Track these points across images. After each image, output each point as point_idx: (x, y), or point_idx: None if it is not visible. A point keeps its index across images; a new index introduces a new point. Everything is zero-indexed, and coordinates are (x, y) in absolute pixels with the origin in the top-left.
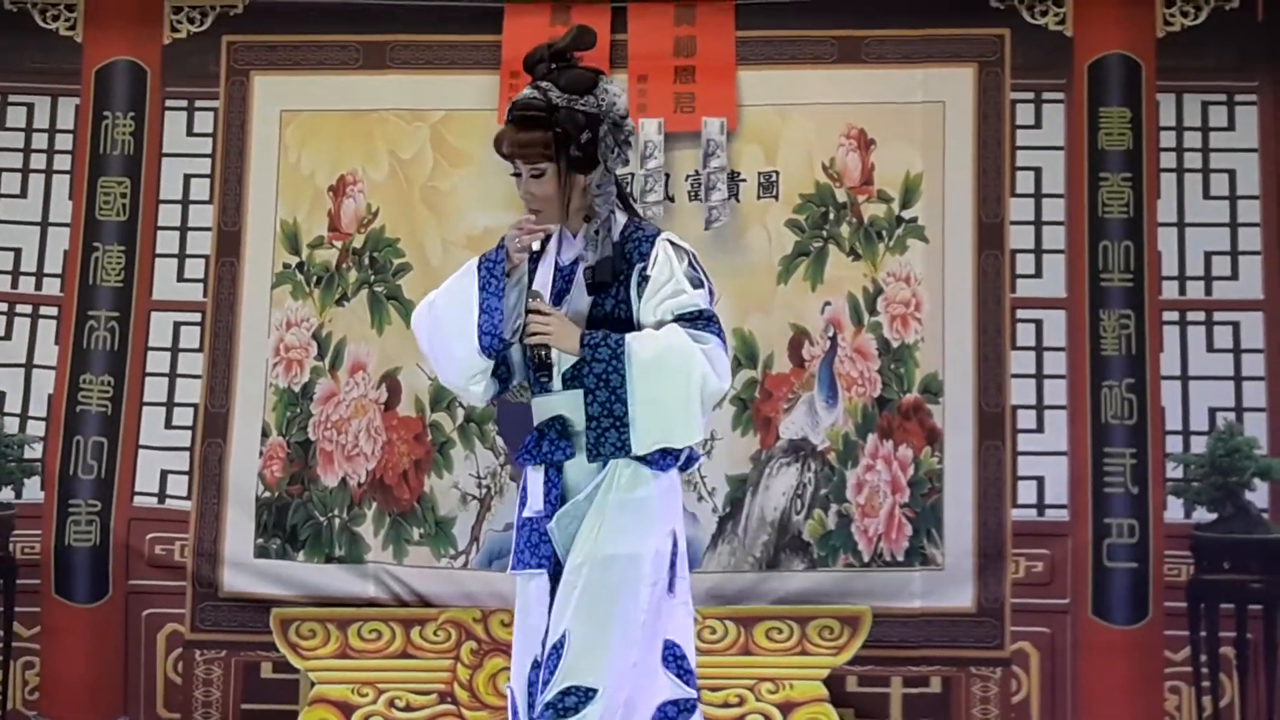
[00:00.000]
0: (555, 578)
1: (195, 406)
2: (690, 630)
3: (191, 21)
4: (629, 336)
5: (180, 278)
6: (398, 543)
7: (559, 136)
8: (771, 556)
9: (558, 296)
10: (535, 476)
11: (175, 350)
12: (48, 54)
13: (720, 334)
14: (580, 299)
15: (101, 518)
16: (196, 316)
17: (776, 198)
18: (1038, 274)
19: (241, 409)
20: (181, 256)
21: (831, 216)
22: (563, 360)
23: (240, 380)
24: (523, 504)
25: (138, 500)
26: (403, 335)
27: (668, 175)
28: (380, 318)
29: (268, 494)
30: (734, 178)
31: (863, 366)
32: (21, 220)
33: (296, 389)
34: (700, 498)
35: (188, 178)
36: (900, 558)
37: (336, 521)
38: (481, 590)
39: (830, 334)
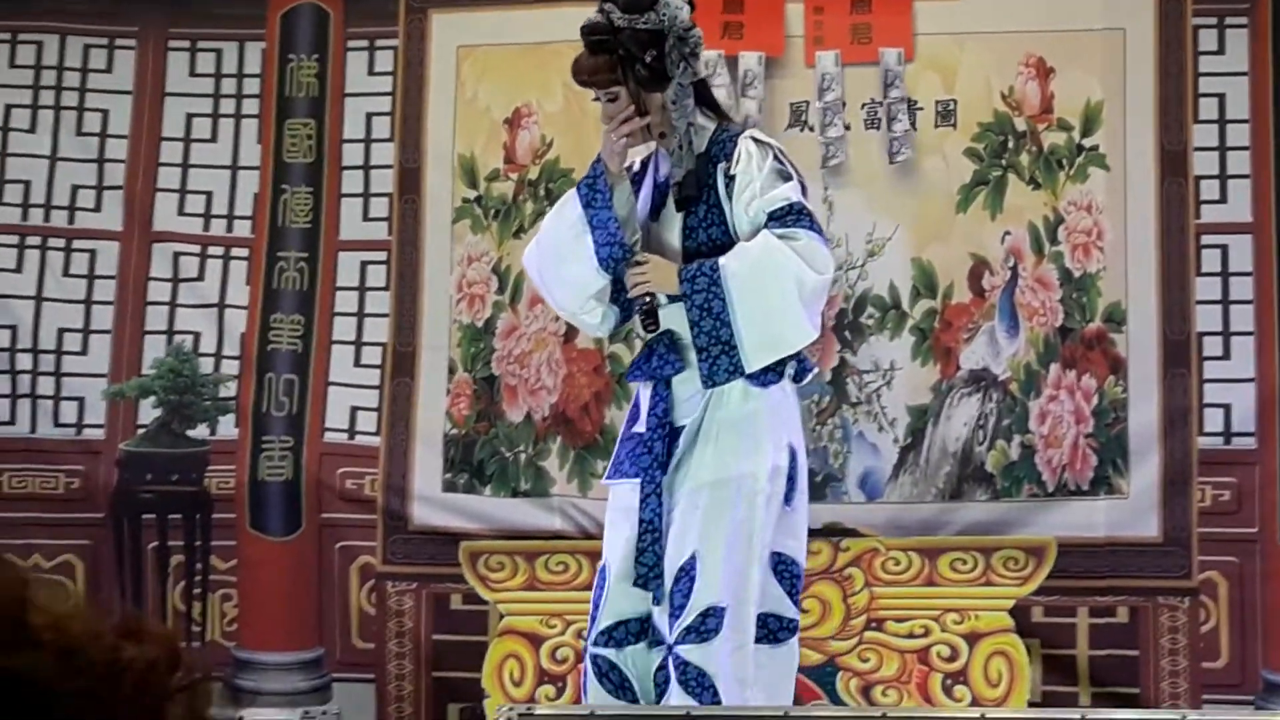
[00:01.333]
0: (654, 493)
1: (383, 345)
2: (804, 544)
3: None
4: (723, 259)
5: (365, 217)
6: (582, 476)
7: (624, 58)
8: (954, 487)
9: (655, 213)
10: (645, 393)
11: (362, 289)
12: (234, 0)
13: (813, 225)
14: (674, 216)
15: (294, 453)
16: (382, 255)
17: (954, 126)
18: (1222, 199)
19: (427, 346)
20: (366, 196)
21: (1010, 145)
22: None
23: (425, 318)
24: (632, 420)
25: (328, 436)
26: None
27: (844, 104)
28: None
29: (455, 430)
30: (911, 106)
31: (1044, 296)
32: (212, 164)
33: (479, 324)
34: (880, 428)
35: (369, 116)
36: (1085, 487)
37: (522, 456)
38: None
39: (1010, 263)
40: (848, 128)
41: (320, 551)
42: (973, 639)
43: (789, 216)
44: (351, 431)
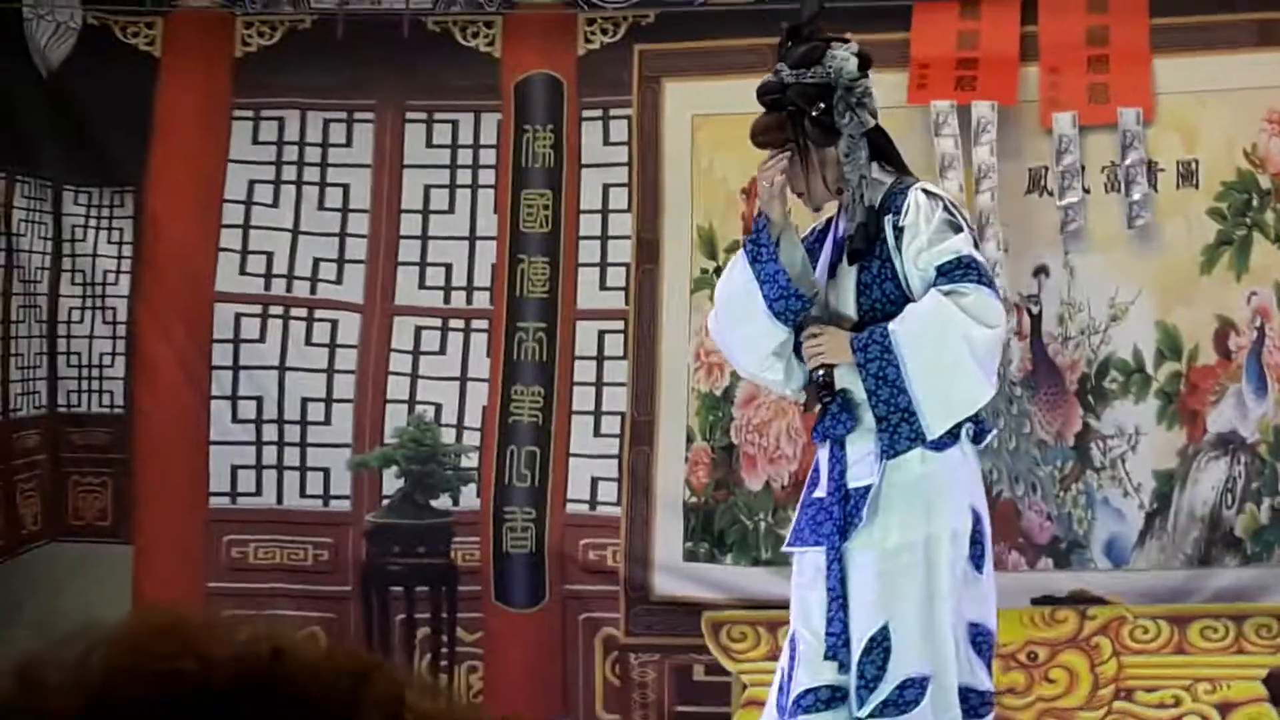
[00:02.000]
0: (837, 560)
1: (622, 414)
2: (994, 609)
3: (604, 32)
4: (893, 324)
5: (602, 286)
6: None
7: (793, 114)
8: (1203, 553)
9: (832, 269)
10: (823, 455)
11: (600, 358)
12: (469, 71)
13: (982, 277)
14: (849, 272)
15: (536, 525)
16: (619, 324)
17: (1197, 186)
18: None
19: (666, 415)
20: (603, 265)
21: (1255, 204)
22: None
23: (664, 386)
24: (812, 484)
25: (570, 507)
26: None
27: (1083, 167)
28: None
29: (694, 499)
30: (1151, 167)
31: None
32: (451, 235)
33: (718, 393)
34: (1126, 493)
35: (606, 187)
36: None
37: (762, 525)
38: None
39: (1257, 324)
40: (1087, 191)
41: (564, 623)
42: (1225, 709)
43: (957, 271)
44: (593, 502)
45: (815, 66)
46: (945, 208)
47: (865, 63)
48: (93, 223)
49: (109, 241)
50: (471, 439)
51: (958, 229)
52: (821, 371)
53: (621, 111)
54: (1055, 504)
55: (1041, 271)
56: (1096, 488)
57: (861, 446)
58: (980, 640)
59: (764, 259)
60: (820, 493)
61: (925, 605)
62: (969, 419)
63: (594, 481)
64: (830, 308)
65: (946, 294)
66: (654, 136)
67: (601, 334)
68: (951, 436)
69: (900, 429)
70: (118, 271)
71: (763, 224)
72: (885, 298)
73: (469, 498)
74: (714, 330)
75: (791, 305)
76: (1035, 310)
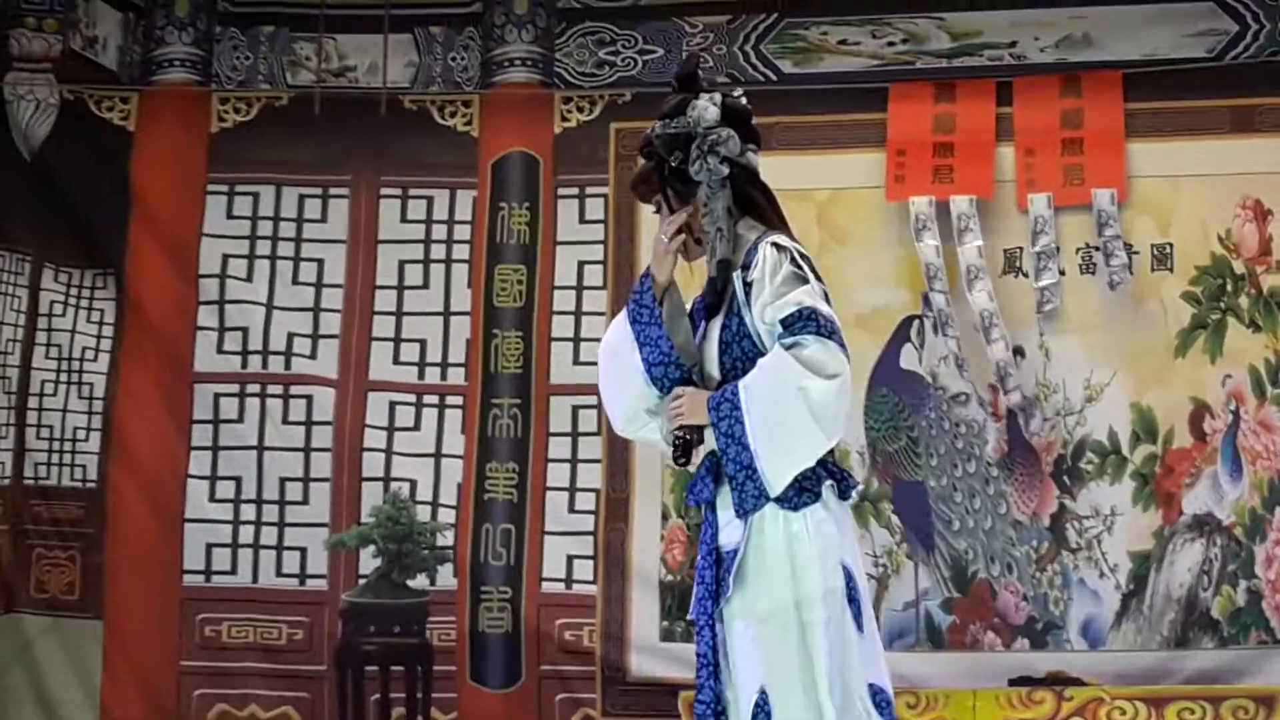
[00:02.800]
0: (708, 625)
1: (596, 491)
2: (885, 668)
3: (581, 110)
4: (742, 381)
5: (576, 361)
6: None
7: (658, 165)
8: (1180, 634)
9: (706, 328)
10: (705, 519)
11: (575, 434)
12: (446, 149)
13: (821, 328)
14: (714, 328)
15: (512, 604)
16: (593, 400)
17: (1171, 270)
18: None
19: (641, 491)
20: (576, 340)
21: (1229, 288)
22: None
23: (638, 463)
24: (701, 550)
25: (546, 586)
26: None
27: (1058, 248)
28: None
29: (670, 577)
30: (1126, 250)
31: (1267, 440)
32: (425, 311)
33: (692, 468)
34: (1102, 574)
35: (581, 263)
36: None
37: None
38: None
39: (1232, 407)
40: (1062, 273)
41: (540, 703)
42: None
43: (798, 323)
44: (568, 580)
45: (679, 117)
46: (792, 259)
47: (732, 113)
48: (72, 301)
49: (89, 320)
50: (447, 516)
51: (803, 280)
52: (682, 432)
53: (598, 190)
54: (1031, 584)
55: (1017, 353)
56: (1073, 568)
57: (729, 510)
58: (881, 701)
59: (645, 320)
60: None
61: (804, 669)
62: (831, 475)
63: (569, 559)
64: (703, 367)
65: (788, 347)
66: (630, 214)
67: (575, 409)
68: (811, 495)
69: (746, 487)
70: (96, 350)
71: (647, 284)
72: (744, 355)
73: (445, 577)
74: (600, 384)
75: (670, 373)
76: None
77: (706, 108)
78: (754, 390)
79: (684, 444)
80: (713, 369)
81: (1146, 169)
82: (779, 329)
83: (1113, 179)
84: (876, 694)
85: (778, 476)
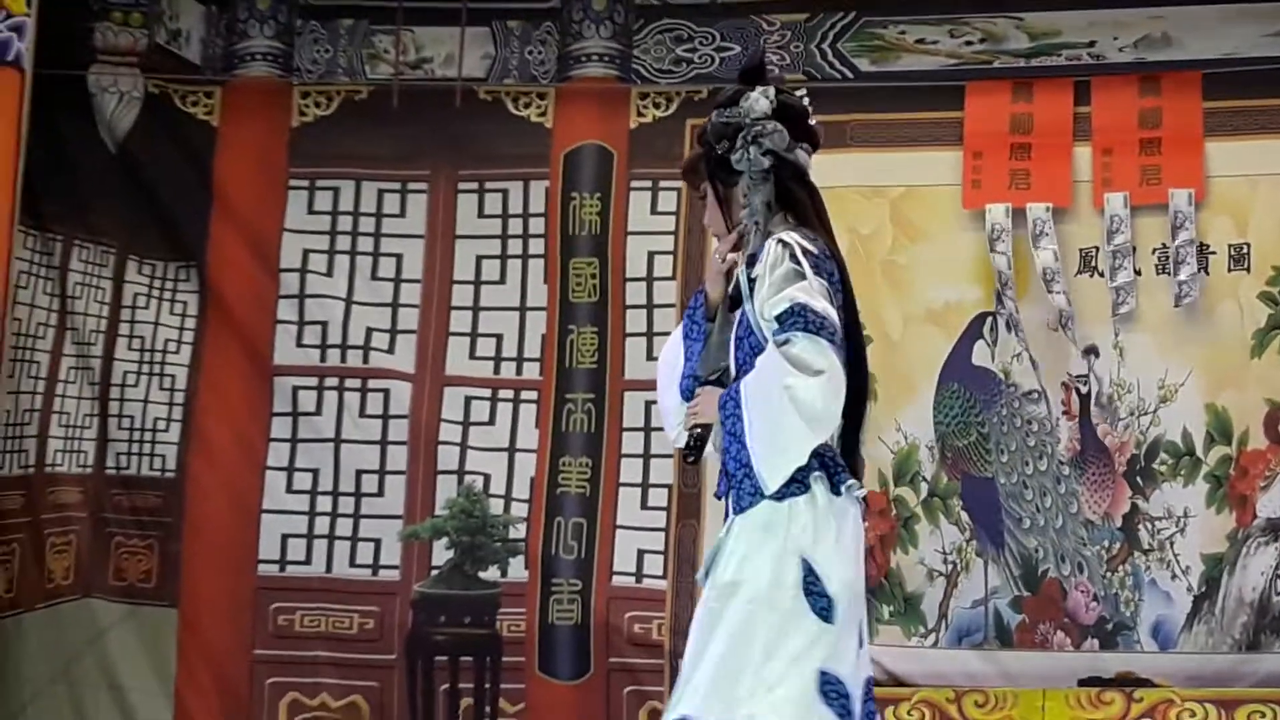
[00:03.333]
0: None
1: (669, 487)
2: (855, 662)
3: (657, 106)
4: (743, 380)
5: (649, 356)
6: (869, 621)
7: (706, 152)
8: (1251, 637)
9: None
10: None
11: (648, 430)
12: (520, 140)
13: (809, 324)
14: (731, 323)
15: (583, 596)
16: None
17: (1248, 270)
18: None
19: (712, 488)
20: (649, 335)
21: None
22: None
23: (710, 459)
24: None
25: (616, 579)
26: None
27: (1134, 248)
28: None
29: None
30: (1203, 250)
31: None
32: (501, 306)
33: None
34: (1174, 576)
35: (651, 254)
36: None
37: None
38: (953, 669)
39: None
40: (1138, 273)
41: (608, 695)
42: None
43: (789, 319)
44: (639, 575)
45: (732, 107)
46: (793, 256)
47: (785, 109)
48: (155, 293)
49: (171, 313)
50: (519, 510)
51: (801, 276)
52: (699, 431)
53: (671, 184)
54: (1102, 584)
55: (1091, 352)
56: (1144, 569)
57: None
58: (828, 689)
59: (694, 336)
60: None
61: (714, 649)
62: (824, 468)
63: (640, 554)
64: (728, 365)
65: (780, 345)
66: (702, 206)
67: (648, 405)
68: (800, 486)
69: (744, 485)
70: (179, 341)
71: (700, 300)
72: (751, 351)
73: (517, 569)
74: (657, 393)
75: (692, 387)
76: (1084, 390)
77: (758, 100)
78: (750, 388)
79: (698, 442)
80: (731, 365)
81: (1225, 169)
82: (774, 325)
83: (1190, 179)
84: (827, 682)
85: (772, 474)
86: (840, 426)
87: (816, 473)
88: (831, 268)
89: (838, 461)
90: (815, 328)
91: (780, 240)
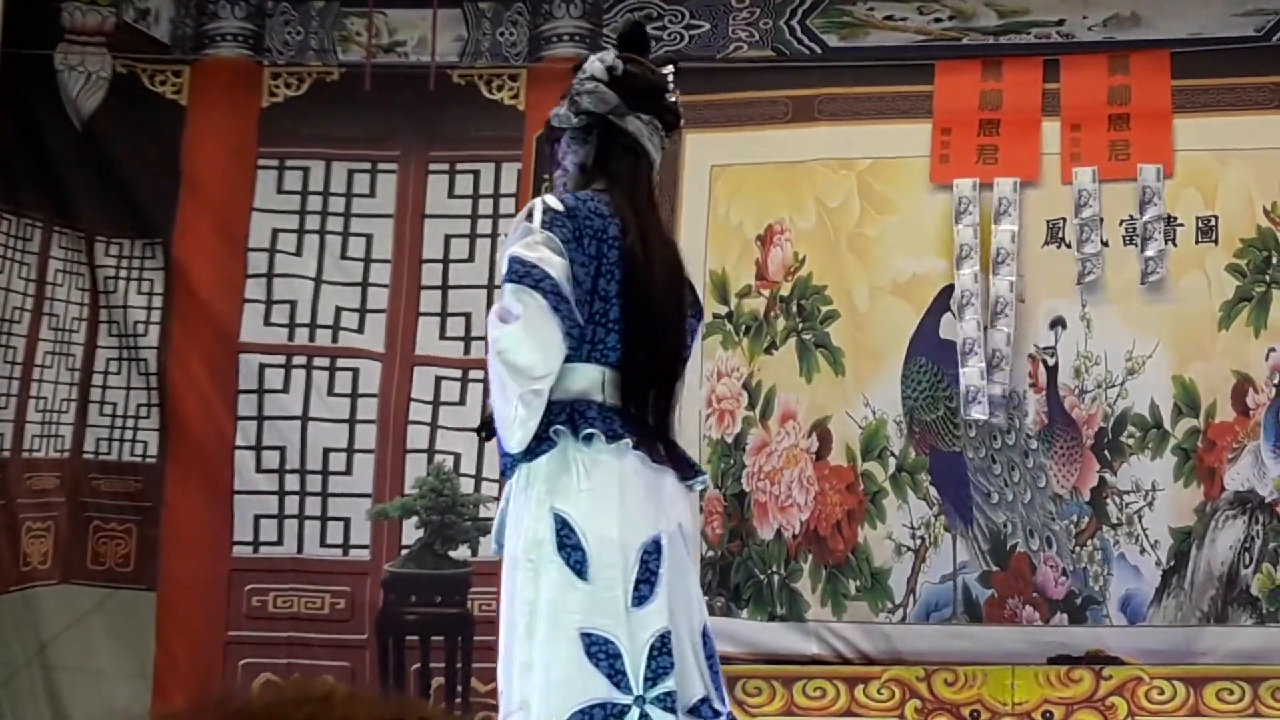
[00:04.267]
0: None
1: None
2: (625, 622)
3: None
4: None
5: None
6: (835, 597)
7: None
8: (1219, 611)
9: None
10: None
11: None
12: (492, 123)
13: (513, 273)
14: None
15: None
16: None
17: (1216, 242)
18: None
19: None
20: None
21: (1274, 261)
22: None
23: (677, 434)
24: None
25: None
26: (831, 383)
27: (1102, 220)
28: (809, 365)
29: (710, 552)
30: (1170, 222)
31: None
32: (471, 285)
33: (729, 440)
34: (1143, 550)
35: None
36: None
37: (776, 579)
38: (923, 646)
39: (1276, 380)
40: (1105, 244)
41: None
42: None
43: (506, 274)
44: None
45: (577, 73)
46: (529, 213)
47: (627, 76)
48: (124, 274)
49: (139, 293)
50: (490, 489)
51: (529, 232)
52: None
53: None
54: (1071, 559)
55: (1058, 324)
56: (1113, 543)
57: None
58: (595, 650)
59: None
60: None
61: (505, 618)
62: (569, 420)
63: None
64: None
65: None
66: (672, 185)
67: None
68: (548, 442)
69: (500, 447)
70: (148, 322)
71: None
72: None
73: (487, 548)
74: None
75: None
76: (1051, 362)
77: (592, 62)
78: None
79: (491, 418)
80: None
81: (1193, 143)
82: None
83: (1159, 154)
84: (592, 643)
85: (505, 431)
86: (653, 400)
87: (557, 426)
88: (575, 226)
89: (592, 416)
90: (518, 276)
91: (532, 203)
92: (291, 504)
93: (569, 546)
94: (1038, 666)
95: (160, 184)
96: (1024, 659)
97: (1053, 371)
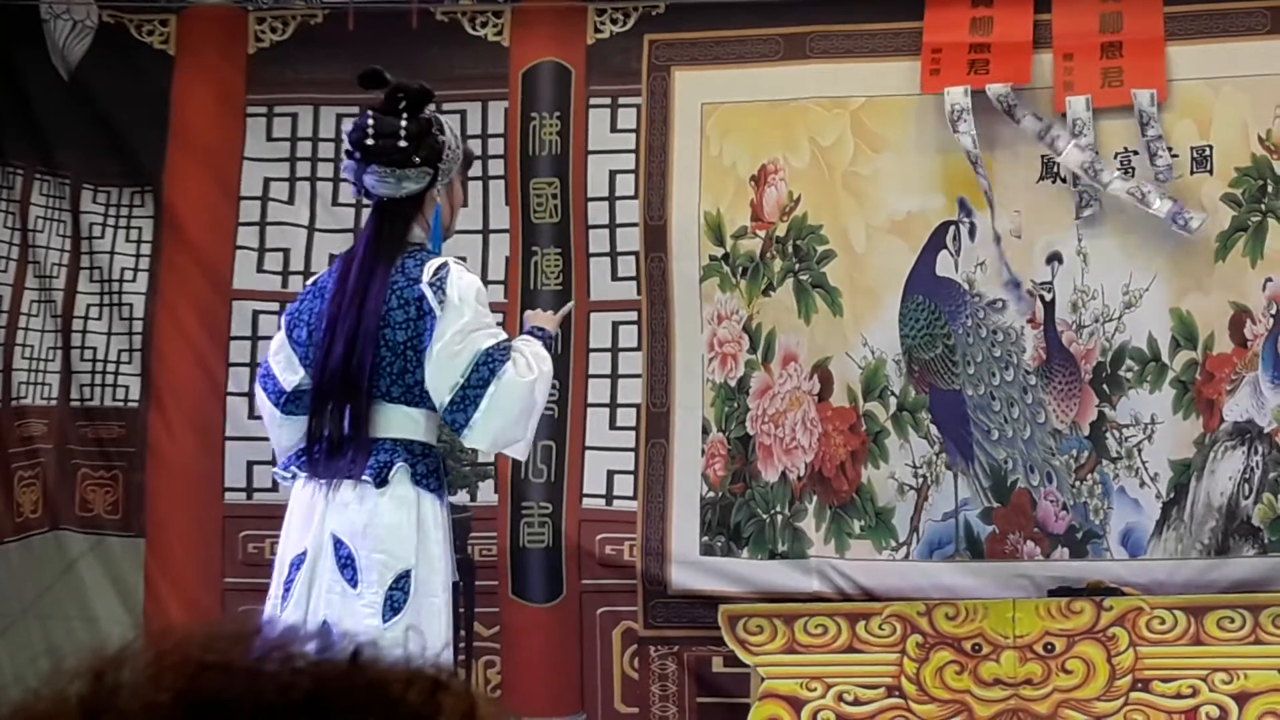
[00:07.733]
0: None
1: (637, 406)
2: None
3: (614, 22)
4: None
5: (614, 276)
6: (839, 536)
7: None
8: (1220, 543)
9: None
10: None
11: (615, 350)
12: (477, 60)
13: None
14: None
15: (553, 520)
16: (633, 315)
17: (1211, 172)
18: None
19: (681, 407)
20: (613, 255)
21: (1270, 190)
22: None
23: (678, 378)
24: None
25: (586, 502)
26: (830, 324)
27: (1096, 152)
28: (807, 306)
29: (711, 494)
30: (1167, 152)
31: None
32: (464, 229)
33: (732, 383)
34: (1142, 483)
35: (613, 173)
36: None
37: (779, 518)
38: (924, 582)
39: (1273, 311)
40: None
41: (582, 617)
42: (1242, 699)
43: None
44: (609, 497)
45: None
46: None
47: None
48: (111, 221)
49: (127, 240)
50: None
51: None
52: None
53: (630, 100)
54: (1071, 493)
55: (1055, 258)
56: (1113, 477)
57: None
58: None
59: None
60: None
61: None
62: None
63: (610, 475)
64: None
65: None
66: (662, 124)
67: (615, 325)
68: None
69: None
70: (135, 269)
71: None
72: None
73: (486, 493)
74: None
75: None
76: (1048, 297)
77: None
78: None
79: None
80: None
81: (1186, 72)
82: None
83: (1153, 80)
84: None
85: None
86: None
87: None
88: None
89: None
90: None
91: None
92: None
93: (345, 565)
94: (1038, 600)
95: (149, 133)
96: (1025, 592)
97: (1050, 307)
